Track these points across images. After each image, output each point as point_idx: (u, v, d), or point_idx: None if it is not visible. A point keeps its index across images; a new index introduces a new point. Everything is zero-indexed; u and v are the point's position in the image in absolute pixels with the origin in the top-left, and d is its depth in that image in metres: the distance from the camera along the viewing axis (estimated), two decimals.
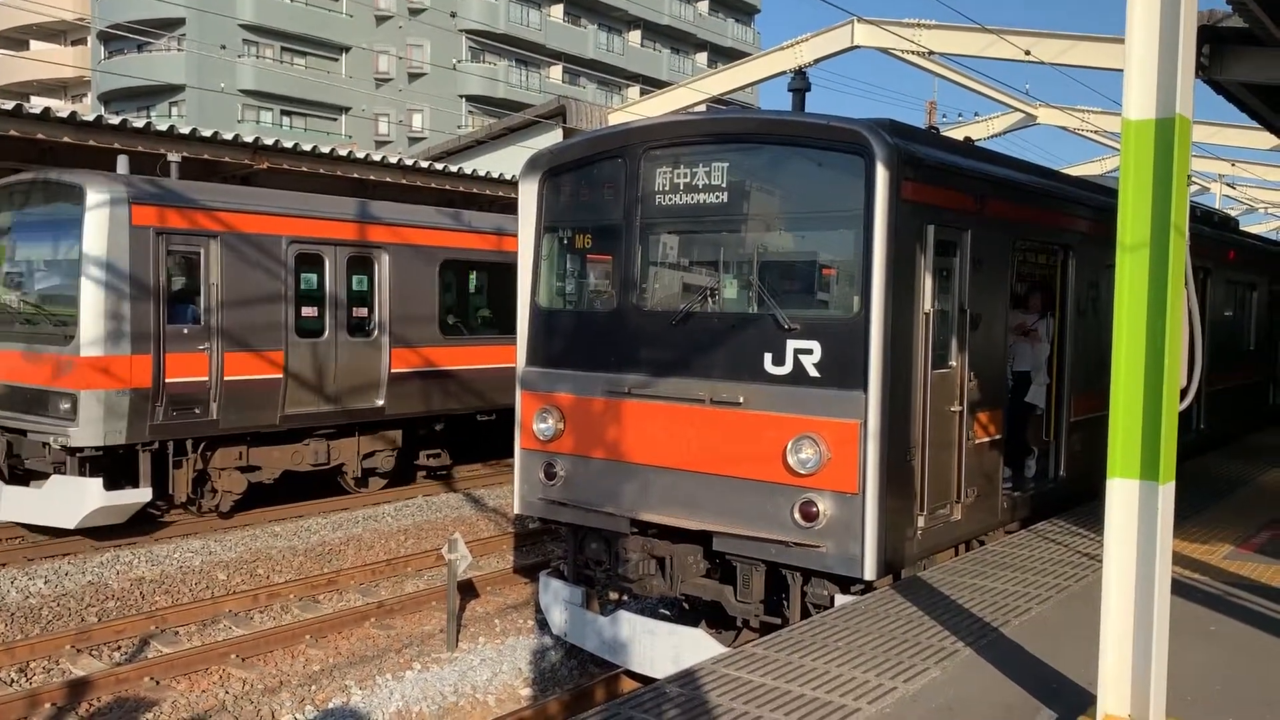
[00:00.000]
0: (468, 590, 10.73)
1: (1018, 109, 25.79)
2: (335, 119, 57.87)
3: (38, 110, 14.36)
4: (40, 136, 14.51)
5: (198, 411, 12.43)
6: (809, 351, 7.09)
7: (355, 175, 18.00)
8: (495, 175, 20.69)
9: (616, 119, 24.58)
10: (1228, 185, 30.70)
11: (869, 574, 6.89)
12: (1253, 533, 8.82)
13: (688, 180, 7.76)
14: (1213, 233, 13.85)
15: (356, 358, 14.18)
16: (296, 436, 13.84)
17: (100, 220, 11.55)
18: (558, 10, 64.07)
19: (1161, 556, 4.36)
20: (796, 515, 7.05)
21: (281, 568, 11.85)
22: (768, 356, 7.25)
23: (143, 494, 12.20)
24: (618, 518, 7.98)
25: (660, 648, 7.87)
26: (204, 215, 12.53)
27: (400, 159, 20.06)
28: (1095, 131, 25.35)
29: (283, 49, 55.36)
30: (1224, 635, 6.12)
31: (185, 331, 12.34)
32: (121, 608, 10.33)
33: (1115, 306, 4.38)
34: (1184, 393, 4.45)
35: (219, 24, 49.61)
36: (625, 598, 9.17)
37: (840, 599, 7.09)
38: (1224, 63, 10.11)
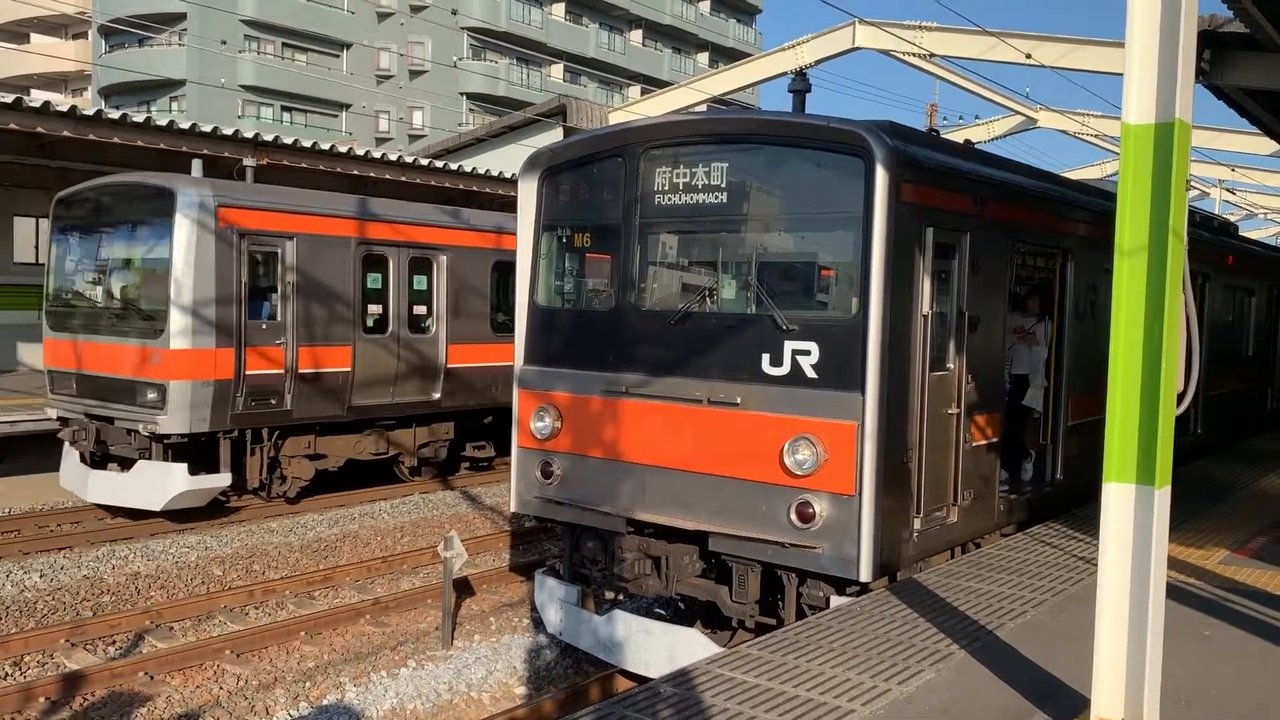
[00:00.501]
0: (463, 588, 10.73)
1: (1018, 112, 25.82)
2: (336, 115, 57.84)
3: (38, 104, 14.36)
4: (40, 130, 14.53)
5: (273, 402, 13.15)
6: (807, 352, 7.09)
7: (355, 172, 18.02)
8: (495, 173, 20.70)
9: (617, 118, 24.58)
10: (1228, 190, 30.73)
11: (864, 576, 6.89)
12: (1248, 538, 8.82)
13: (687, 180, 7.76)
14: (1212, 238, 13.85)
15: (416, 353, 14.88)
16: (359, 427, 14.54)
17: (189, 221, 12.24)
18: (559, 9, 64.05)
19: (1157, 561, 4.36)
20: (793, 516, 7.04)
21: (277, 564, 11.85)
22: (765, 357, 7.25)
23: (223, 479, 12.90)
24: (614, 517, 7.97)
25: (655, 647, 7.87)
26: (281, 217, 13.24)
27: (400, 156, 20.07)
28: (1095, 135, 25.39)
29: (284, 45, 55.34)
30: (1218, 640, 6.13)
31: (263, 327, 13.06)
32: (117, 602, 10.32)
33: (1113, 310, 4.39)
34: (1181, 397, 4.45)
35: (220, 19, 49.54)
36: (621, 597, 9.17)
37: (836, 600, 7.09)
38: (1225, 67, 10.13)
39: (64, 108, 14.79)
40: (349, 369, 13.88)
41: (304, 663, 8.99)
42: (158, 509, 12.63)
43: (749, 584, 7.49)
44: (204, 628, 9.80)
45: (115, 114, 15.35)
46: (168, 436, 12.39)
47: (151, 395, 12.30)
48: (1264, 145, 21.74)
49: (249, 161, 14.32)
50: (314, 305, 13.47)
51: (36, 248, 20.09)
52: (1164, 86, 4.24)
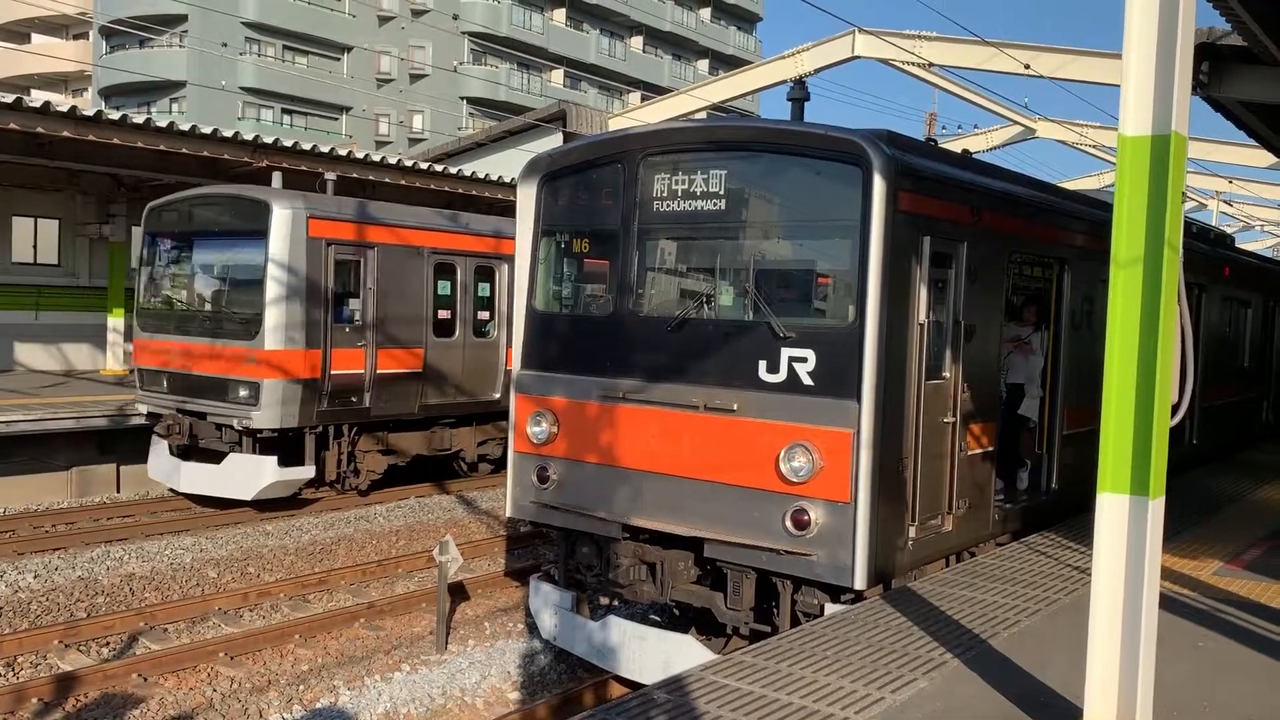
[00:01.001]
0: (458, 592, 10.72)
1: (1017, 122, 25.87)
2: (336, 118, 57.87)
3: (38, 104, 14.36)
4: (40, 130, 14.53)
5: (354, 400, 14.10)
6: (803, 360, 7.10)
7: (355, 175, 18.02)
8: (494, 178, 20.71)
9: (617, 124, 24.62)
10: (1224, 202, 30.79)
11: (859, 583, 6.90)
12: (1242, 549, 8.83)
13: (686, 187, 7.77)
14: (1208, 249, 13.88)
15: (479, 356, 15.85)
16: (426, 425, 15.41)
17: (283, 232, 13.17)
18: (560, 14, 64.16)
19: (1150, 571, 4.37)
20: (788, 523, 7.05)
21: (272, 566, 11.84)
22: (762, 364, 7.26)
23: (307, 471, 13.77)
24: (609, 522, 7.97)
25: (649, 653, 7.86)
26: (364, 229, 14.24)
27: (400, 160, 20.09)
28: (1093, 146, 25.42)
29: (285, 47, 55.39)
30: (1211, 651, 6.13)
31: (346, 330, 14.00)
32: (111, 604, 10.31)
33: (1109, 321, 4.40)
34: (1175, 408, 4.46)
35: (221, 21, 49.61)
36: (615, 603, 9.16)
37: (830, 608, 7.09)
38: (1222, 80, 10.16)
39: (64, 108, 14.79)
40: (420, 370, 14.84)
41: (298, 666, 8.97)
42: (249, 498, 13.47)
43: (744, 591, 7.49)
44: (198, 630, 9.79)
45: (115, 115, 15.35)
46: (260, 431, 13.19)
47: (245, 393, 13.14)
48: (1261, 158, 21.77)
49: (330, 175, 15.13)
50: (391, 310, 14.43)
51: (35, 248, 20.08)
52: (1161, 98, 4.26)
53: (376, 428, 14.71)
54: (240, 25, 52.67)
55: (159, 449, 14.33)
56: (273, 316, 13.09)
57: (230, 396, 13.27)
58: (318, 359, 13.47)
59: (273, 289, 13.09)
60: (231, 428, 13.36)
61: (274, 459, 13.26)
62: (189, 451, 14.12)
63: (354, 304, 14.14)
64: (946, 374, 7.79)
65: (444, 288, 15.29)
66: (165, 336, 14.27)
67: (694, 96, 24.97)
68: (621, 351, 8.01)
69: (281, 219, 13.17)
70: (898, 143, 7.29)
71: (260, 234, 13.16)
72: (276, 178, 14.50)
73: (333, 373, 13.65)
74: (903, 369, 7.16)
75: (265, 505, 14.03)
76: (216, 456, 13.71)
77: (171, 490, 14.54)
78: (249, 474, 13.34)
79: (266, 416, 13.08)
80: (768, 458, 7.12)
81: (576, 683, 8.89)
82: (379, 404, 14.32)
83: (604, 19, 66.37)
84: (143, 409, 14.51)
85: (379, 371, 14.24)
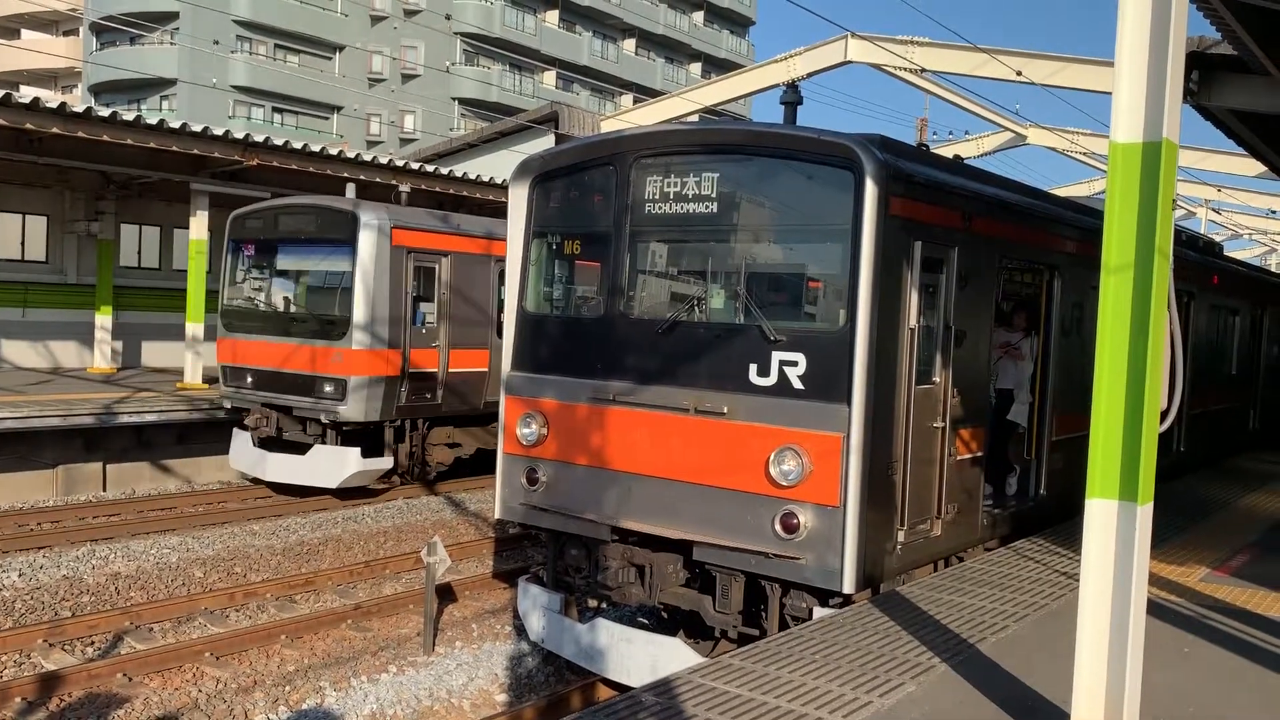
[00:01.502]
0: (446, 594, 10.69)
1: (1008, 128, 25.98)
2: (327, 118, 57.74)
3: (27, 100, 14.29)
4: (29, 127, 14.47)
5: (428, 396, 15.13)
6: (794, 363, 7.10)
7: (345, 175, 17.99)
8: (486, 179, 20.69)
9: (609, 127, 24.62)
10: (1213, 210, 30.96)
11: (848, 587, 6.90)
12: (1229, 556, 8.87)
13: (677, 189, 7.77)
14: (1197, 257, 13.95)
15: None
16: (488, 420, 15.92)
17: (370, 241, 14.21)
18: (553, 16, 64.15)
19: (1138, 577, 4.38)
20: (777, 527, 7.04)
21: (259, 566, 11.79)
22: (753, 367, 7.26)
23: (386, 462, 14.83)
24: (598, 525, 7.96)
25: (637, 656, 7.85)
26: (439, 238, 15.23)
27: (391, 160, 20.05)
28: (1084, 153, 25.54)
29: (276, 46, 55.24)
30: (1198, 657, 6.15)
31: (423, 331, 15.03)
32: (96, 602, 10.25)
33: (1098, 327, 4.41)
34: (1164, 415, 4.47)
35: (213, 19, 49.47)
36: (604, 605, 9.15)
37: (818, 612, 7.09)
38: (1212, 89, 10.21)
39: (53, 104, 14.72)
40: (486, 369, 15.67)
41: (284, 666, 8.93)
42: (334, 486, 14.46)
43: (732, 594, 7.48)
44: (184, 630, 9.74)
45: (105, 112, 15.29)
46: (345, 425, 14.23)
47: (332, 389, 14.17)
48: (1250, 166, 21.90)
49: (404, 187, 16.24)
50: (461, 313, 15.48)
51: (22, 244, 19.97)
52: (1152, 106, 4.27)
53: (445, 422, 15.72)
54: (232, 23, 52.52)
55: (242, 441, 15.18)
56: (360, 318, 14.10)
57: (317, 392, 14.26)
58: (398, 358, 14.48)
59: (360, 293, 14.10)
60: (318, 421, 14.34)
61: (357, 450, 14.28)
62: (268, 443, 15.03)
63: (428, 307, 15.12)
64: (936, 379, 7.81)
65: (505, 293, 16.13)
66: (251, 336, 15.22)
67: (686, 99, 25.02)
68: (612, 354, 8.00)
69: (369, 229, 14.19)
70: (890, 147, 7.30)
71: (349, 242, 14.18)
72: (350, 189, 15.80)
73: (410, 371, 14.66)
74: (893, 373, 7.17)
75: (246, 508, 13.98)
76: (295, 448, 14.64)
77: (251, 480, 15.63)
78: (334, 464, 14.32)
79: (352, 411, 14.08)
80: (757, 461, 7.12)
81: (564, 685, 8.87)
82: (449, 400, 15.36)
83: (597, 21, 66.38)
84: (227, 404, 15.46)
85: (450, 370, 15.27)
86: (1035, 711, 5.11)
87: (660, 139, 8.13)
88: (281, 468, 14.65)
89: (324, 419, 14.23)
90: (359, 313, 14.11)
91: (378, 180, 18.90)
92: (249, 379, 15.09)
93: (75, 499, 14.59)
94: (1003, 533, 9.17)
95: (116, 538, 12.49)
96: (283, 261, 15.40)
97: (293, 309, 15.20)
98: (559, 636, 8.55)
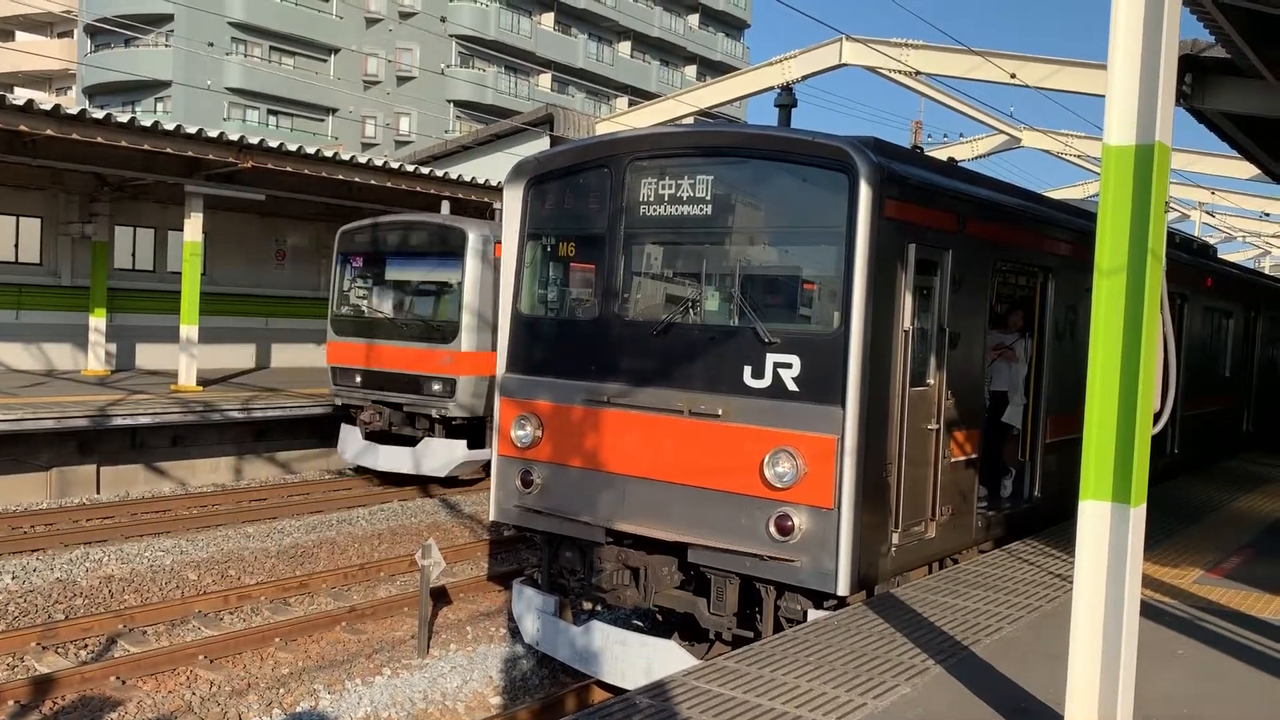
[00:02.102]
0: (440, 596, 10.68)
1: (1002, 131, 26.01)
2: (322, 120, 57.70)
3: (21, 101, 14.26)
4: (23, 128, 14.44)
5: None
6: (788, 366, 7.10)
7: (340, 177, 17.99)
8: (481, 181, 20.69)
9: (604, 129, 24.64)
10: (1207, 213, 31.01)
11: (842, 589, 6.90)
12: (1222, 558, 8.88)
13: (672, 192, 7.77)
14: (1190, 259, 13.97)
15: None
16: None
17: (477, 253, 15.42)
18: (548, 18, 64.17)
19: (1131, 579, 4.39)
20: (772, 529, 7.05)
21: (253, 569, 11.76)
22: (747, 369, 7.26)
23: (488, 453, 15.47)
24: (593, 527, 7.96)
25: (632, 659, 7.85)
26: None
27: (386, 162, 20.03)
28: (1078, 156, 25.57)
29: (271, 48, 55.18)
30: (1191, 659, 6.16)
31: None
32: (89, 605, 10.22)
33: (1092, 329, 4.42)
34: (1157, 417, 4.48)
35: (208, 21, 49.41)
36: (599, 608, 9.14)
37: (813, 614, 7.09)
38: (1206, 92, 10.23)
39: (48, 106, 14.69)
40: None
41: (278, 669, 8.92)
42: (443, 475, 15.76)
43: (727, 596, 7.48)
44: (178, 632, 9.71)
45: (99, 114, 15.26)
46: (454, 419, 15.41)
47: (441, 387, 15.35)
48: (1243, 169, 21.95)
49: (499, 205, 16.90)
50: None
51: (16, 246, 19.91)
52: (1145, 109, 4.28)
53: None
54: (227, 25, 52.46)
55: (351, 434, 16.39)
56: (467, 323, 15.26)
57: (427, 390, 15.45)
58: None
59: (468, 300, 15.28)
60: (428, 416, 15.54)
61: (464, 442, 15.41)
62: (373, 437, 16.21)
63: None
64: (931, 381, 7.82)
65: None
66: (361, 339, 16.36)
67: (681, 102, 25.02)
68: (607, 355, 8.00)
69: (475, 243, 15.38)
70: (884, 150, 7.31)
71: (457, 255, 15.42)
72: (445, 206, 17.20)
73: None
74: (887, 375, 7.18)
75: (240, 509, 13.96)
76: (402, 441, 15.91)
77: (357, 470, 16.93)
78: (443, 455, 15.52)
79: (461, 406, 15.28)
80: (752, 463, 7.12)
81: (559, 688, 8.86)
82: None
83: (592, 24, 66.42)
84: (338, 402, 16.62)
85: None
86: (1029, 713, 5.11)
87: (655, 141, 8.14)
88: (393, 458, 15.84)
89: (434, 414, 15.43)
90: (467, 318, 15.25)
91: (372, 182, 18.90)
92: (358, 379, 16.26)
93: (69, 501, 14.55)
94: (997, 535, 9.18)
95: (110, 540, 12.46)
96: (393, 272, 16.59)
97: (405, 315, 16.32)
98: (554, 639, 8.55)
